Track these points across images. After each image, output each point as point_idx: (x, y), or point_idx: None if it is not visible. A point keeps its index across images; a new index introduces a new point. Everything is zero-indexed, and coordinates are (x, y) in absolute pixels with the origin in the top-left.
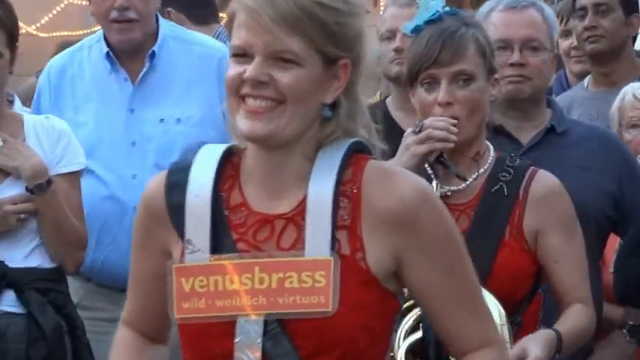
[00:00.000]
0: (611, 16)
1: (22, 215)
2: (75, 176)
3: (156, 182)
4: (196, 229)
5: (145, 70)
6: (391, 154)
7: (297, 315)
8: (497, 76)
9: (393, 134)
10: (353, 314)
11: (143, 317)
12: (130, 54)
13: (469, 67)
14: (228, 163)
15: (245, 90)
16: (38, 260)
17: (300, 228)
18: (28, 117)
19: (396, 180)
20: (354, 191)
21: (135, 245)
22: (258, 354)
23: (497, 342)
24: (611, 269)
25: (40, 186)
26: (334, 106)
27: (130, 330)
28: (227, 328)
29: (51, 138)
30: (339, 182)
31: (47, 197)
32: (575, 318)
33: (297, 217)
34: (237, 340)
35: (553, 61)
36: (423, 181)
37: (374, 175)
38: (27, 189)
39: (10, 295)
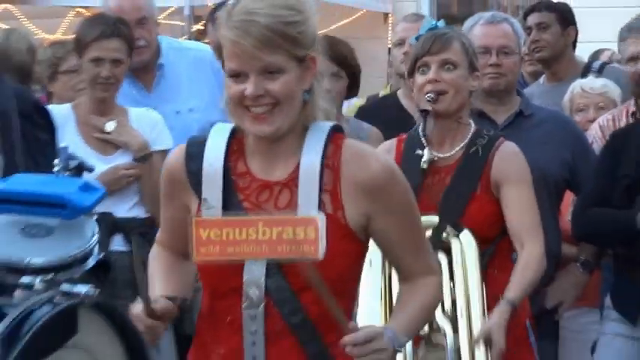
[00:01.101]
0: (550, 30)
1: (130, 178)
2: (164, 153)
3: (176, 154)
4: (211, 190)
5: (156, 79)
6: (402, 130)
7: (292, 260)
8: (478, 73)
9: (402, 117)
10: (335, 260)
11: (171, 242)
12: (142, 70)
13: (454, 57)
14: (234, 139)
15: (247, 102)
16: (138, 212)
17: (293, 192)
18: (132, 109)
19: (368, 159)
20: (335, 164)
21: (162, 198)
22: (261, 288)
23: (436, 270)
24: (568, 217)
25: (144, 157)
26: (309, 90)
27: (162, 247)
28: (237, 268)
29: (149, 124)
30: (324, 156)
31: (147, 166)
32: (522, 274)
33: (290, 183)
34: (245, 278)
35: (520, 62)
36: (389, 159)
37: (350, 154)
38: (134, 159)
39: (118, 238)
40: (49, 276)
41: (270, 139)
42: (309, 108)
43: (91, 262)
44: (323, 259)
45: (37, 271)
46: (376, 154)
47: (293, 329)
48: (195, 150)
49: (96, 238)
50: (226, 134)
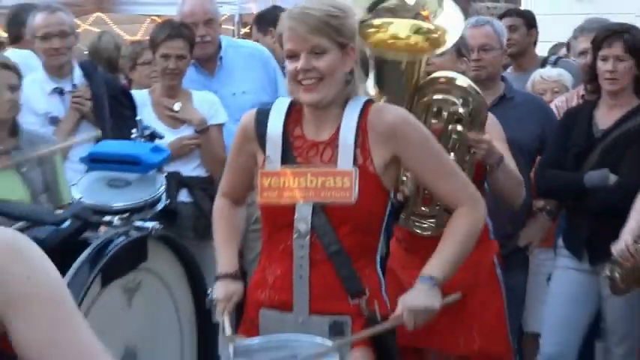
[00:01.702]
0: (518, 31)
1: (192, 146)
2: (220, 127)
3: (248, 117)
4: (272, 149)
5: (217, 67)
6: None
7: (332, 203)
8: (465, 59)
9: None
10: (364, 202)
11: (232, 189)
12: (207, 61)
13: None
14: (292, 110)
15: (300, 77)
16: (199, 172)
17: (334, 149)
18: (194, 92)
19: (384, 112)
20: (364, 125)
21: (233, 150)
22: (308, 224)
23: (472, 198)
24: None
25: (203, 130)
26: (351, 73)
27: (225, 198)
28: (290, 209)
29: (207, 104)
30: (359, 123)
31: (205, 137)
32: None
33: (332, 143)
34: (296, 216)
35: (502, 55)
36: (400, 109)
37: (372, 113)
38: (195, 131)
39: (184, 191)
40: (125, 215)
41: (317, 106)
42: (350, 86)
43: (159, 207)
44: (355, 202)
45: (116, 212)
46: (390, 107)
47: (330, 256)
48: (262, 117)
49: (163, 188)
50: (285, 106)
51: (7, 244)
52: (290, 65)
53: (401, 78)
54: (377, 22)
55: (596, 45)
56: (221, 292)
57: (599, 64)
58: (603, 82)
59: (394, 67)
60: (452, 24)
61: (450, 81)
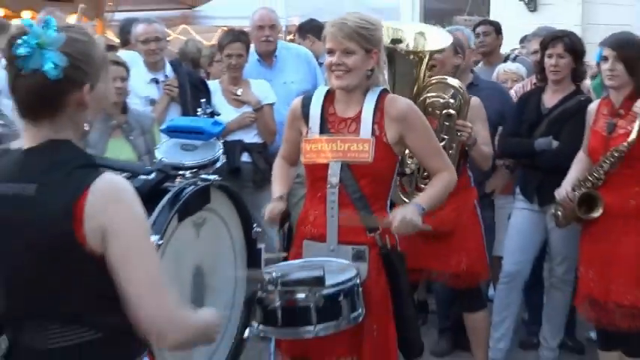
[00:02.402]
0: (489, 36)
1: (252, 120)
2: (271, 105)
3: (296, 102)
4: (313, 122)
5: (274, 63)
6: None
7: (355, 162)
8: (460, 55)
9: None
10: (379, 162)
11: (287, 153)
12: (267, 57)
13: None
14: (328, 95)
15: (333, 68)
16: (257, 139)
17: (358, 123)
18: (252, 81)
19: (398, 101)
20: (381, 107)
21: (286, 126)
22: (337, 177)
23: (449, 167)
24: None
25: (258, 108)
26: (372, 70)
27: (282, 159)
28: (324, 166)
29: (262, 89)
30: (377, 105)
31: (260, 113)
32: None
33: (357, 119)
34: (329, 172)
35: (472, 54)
36: (409, 101)
37: (388, 100)
38: (253, 109)
39: (245, 154)
40: (194, 170)
41: (345, 90)
42: (371, 79)
43: (217, 164)
44: (372, 162)
45: (187, 168)
46: (402, 98)
47: (354, 201)
48: (306, 102)
49: (221, 151)
50: (324, 92)
51: (107, 187)
52: (328, 59)
53: (406, 74)
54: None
55: (544, 46)
56: (269, 207)
57: (546, 60)
58: (549, 73)
59: (403, 64)
60: (439, 40)
61: (443, 80)
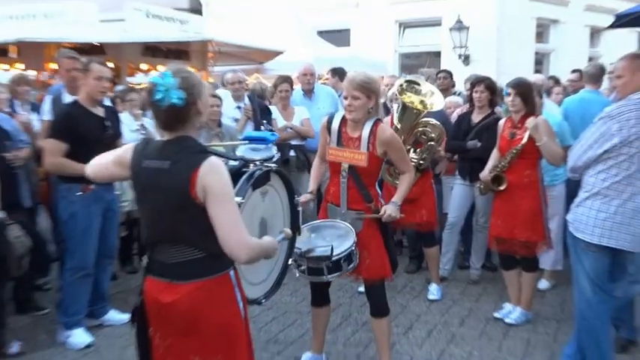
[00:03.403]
0: (447, 80)
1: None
2: (308, 119)
3: (325, 119)
4: (333, 137)
5: (312, 96)
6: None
7: (356, 164)
8: None
9: None
10: (370, 165)
11: (321, 153)
12: (308, 92)
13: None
14: (344, 120)
15: (346, 106)
16: (297, 141)
17: (359, 142)
18: (295, 107)
19: (385, 130)
20: (375, 132)
21: (320, 136)
22: (347, 171)
23: (412, 170)
24: None
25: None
26: (371, 107)
27: (318, 157)
28: (339, 164)
29: (300, 111)
30: (371, 130)
31: (299, 125)
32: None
33: (359, 138)
34: (342, 167)
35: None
36: (391, 130)
37: (379, 128)
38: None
39: (292, 151)
40: (260, 162)
41: (353, 121)
42: (371, 114)
43: (274, 159)
44: (366, 166)
45: (257, 161)
46: (388, 129)
47: (356, 184)
48: (330, 119)
49: (275, 151)
50: (340, 117)
51: (211, 165)
52: (345, 101)
53: (410, 118)
54: (408, 95)
55: (472, 86)
56: (304, 197)
57: (474, 94)
58: (475, 102)
59: (410, 113)
60: (437, 100)
61: (429, 122)
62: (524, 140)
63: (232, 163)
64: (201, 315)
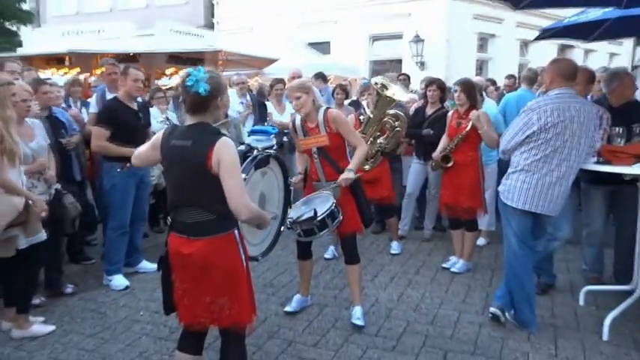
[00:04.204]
0: (406, 81)
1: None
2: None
3: (290, 124)
4: (299, 133)
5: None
6: None
7: (321, 144)
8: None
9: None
10: (332, 142)
11: (297, 148)
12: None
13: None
14: (304, 117)
15: (294, 107)
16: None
17: (318, 128)
18: (287, 103)
19: (332, 112)
20: (327, 117)
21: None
22: (316, 153)
23: (364, 144)
24: None
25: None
26: (313, 101)
27: (297, 150)
28: (310, 149)
29: (290, 108)
30: (324, 117)
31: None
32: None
33: (317, 126)
34: (313, 151)
35: None
36: (337, 111)
37: (330, 113)
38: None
39: (285, 137)
40: (262, 149)
41: (306, 115)
42: (315, 105)
43: (274, 147)
44: (329, 143)
45: (260, 149)
46: (334, 111)
47: (328, 161)
48: (294, 121)
49: (275, 141)
50: (300, 117)
51: (224, 143)
52: (292, 104)
53: (384, 106)
54: (388, 90)
55: (426, 85)
56: (295, 179)
57: (428, 92)
58: (429, 98)
59: (384, 101)
60: (402, 94)
61: (396, 113)
62: (468, 128)
63: (240, 147)
64: (211, 264)
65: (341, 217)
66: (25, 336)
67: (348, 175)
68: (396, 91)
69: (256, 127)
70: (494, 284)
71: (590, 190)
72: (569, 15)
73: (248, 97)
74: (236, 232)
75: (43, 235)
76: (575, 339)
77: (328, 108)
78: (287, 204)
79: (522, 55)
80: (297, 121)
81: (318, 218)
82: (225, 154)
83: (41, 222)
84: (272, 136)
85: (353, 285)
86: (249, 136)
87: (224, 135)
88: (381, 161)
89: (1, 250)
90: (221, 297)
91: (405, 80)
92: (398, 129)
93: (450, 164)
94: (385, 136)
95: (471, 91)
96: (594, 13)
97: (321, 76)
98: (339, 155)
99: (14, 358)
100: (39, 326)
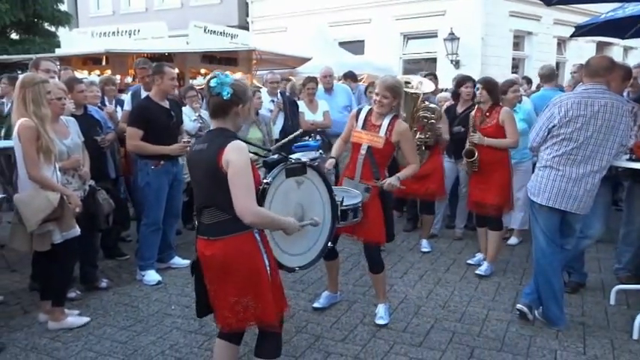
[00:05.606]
0: (433, 81)
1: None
2: (327, 112)
3: (354, 110)
4: (359, 123)
5: (332, 92)
6: None
7: (373, 145)
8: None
9: None
10: (385, 147)
11: (345, 136)
12: (328, 89)
13: None
14: (370, 110)
15: (376, 101)
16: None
17: (379, 128)
18: (319, 101)
19: (401, 124)
20: (393, 124)
21: (348, 121)
22: (365, 150)
23: (417, 162)
24: None
25: (323, 113)
26: (394, 105)
27: (341, 139)
28: (360, 144)
29: (322, 104)
30: (390, 123)
31: (325, 115)
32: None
33: (379, 126)
34: (362, 147)
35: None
36: (406, 125)
37: (397, 122)
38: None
39: (318, 135)
40: (303, 159)
41: (379, 114)
42: (393, 110)
43: (316, 159)
44: (382, 147)
45: (300, 158)
46: (403, 124)
47: (370, 162)
48: (359, 110)
49: (320, 153)
50: (367, 109)
51: (235, 145)
52: (374, 96)
53: (409, 103)
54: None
55: (459, 82)
56: (328, 161)
57: (463, 89)
58: (463, 96)
59: (408, 98)
60: (427, 86)
61: (427, 106)
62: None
63: (273, 157)
64: (231, 264)
65: (360, 218)
66: (61, 327)
67: (394, 181)
68: (416, 84)
69: (299, 143)
70: (525, 283)
71: (635, 188)
72: (606, 11)
73: (279, 96)
74: (255, 232)
75: (77, 231)
76: (605, 337)
77: (397, 117)
78: (335, 220)
79: (560, 53)
80: (363, 112)
81: (342, 207)
82: (233, 156)
83: (75, 218)
84: (316, 149)
85: (377, 288)
86: (294, 152)
87: (239, 139)
88: (435, 156)
89: (37, 244)
90: (244, 297)
91: (432, 79)
92: (432, 121)
93: (474, 158)
94: (422, 130)
95: (493, 89)
96: (632, 8)
97: (350, 76)
98: (383, 162)
99: (50, 348)
100: (74, 318)
